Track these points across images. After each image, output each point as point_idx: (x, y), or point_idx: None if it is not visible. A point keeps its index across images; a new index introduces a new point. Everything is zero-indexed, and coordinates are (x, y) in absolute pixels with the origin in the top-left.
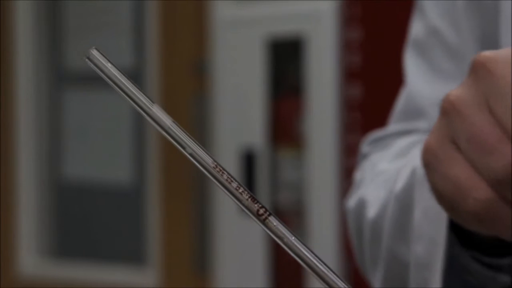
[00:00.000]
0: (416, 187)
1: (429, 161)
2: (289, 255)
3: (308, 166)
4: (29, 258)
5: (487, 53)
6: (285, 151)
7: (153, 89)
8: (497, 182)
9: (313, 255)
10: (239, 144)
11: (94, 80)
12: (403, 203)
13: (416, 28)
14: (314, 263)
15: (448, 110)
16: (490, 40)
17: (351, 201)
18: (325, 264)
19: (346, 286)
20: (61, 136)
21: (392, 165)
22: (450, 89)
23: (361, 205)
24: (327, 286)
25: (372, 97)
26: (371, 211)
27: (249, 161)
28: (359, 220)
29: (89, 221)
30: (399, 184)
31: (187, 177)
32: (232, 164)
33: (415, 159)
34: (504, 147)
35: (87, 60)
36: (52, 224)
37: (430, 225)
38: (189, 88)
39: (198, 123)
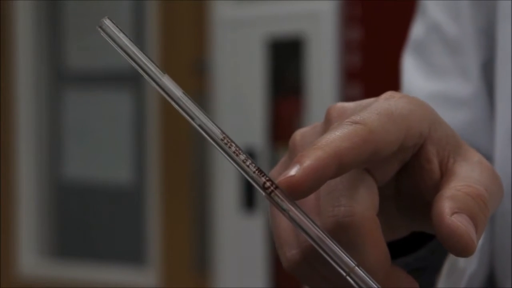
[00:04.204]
0: None
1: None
2: None
3: None
4: (29, 258)
5: (340, 103)
6: (285, 151)
7: (153, 89)
8: (305, 247)
9: (319, 230)
10: (239, 143)
11: (94, 80)
12: None
13: (416, 30)
14: (320, 237)
15: (290, 147)
16: (491, 31)
17: None
18: (329, 238)
19: (352, 261)
20: (61, 136)
21: None
22: (444, 84)
23: None
24: (331, 261)
25: (372, 97)
26: None
27: None
28: None
29: (89, 221)
30: None
31: (187, 177)
32: (232, 164)
33: None
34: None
35: (99, 29)
36: (52, 224)
37: None
38: (189, 88)
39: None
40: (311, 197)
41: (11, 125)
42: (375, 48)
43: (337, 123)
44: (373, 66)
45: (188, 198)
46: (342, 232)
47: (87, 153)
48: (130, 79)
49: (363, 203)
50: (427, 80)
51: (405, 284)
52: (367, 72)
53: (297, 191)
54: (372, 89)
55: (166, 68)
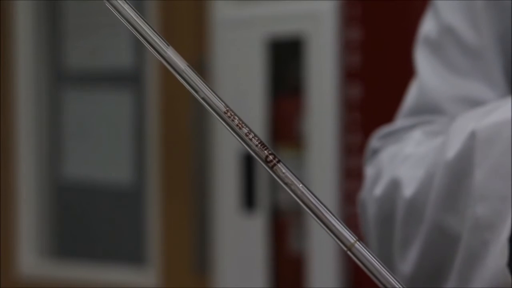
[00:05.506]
0: (477, 149)
1: None
2: (289, 256)
3: (308, 166)
4: (29, 258)
5: None
6: (285, 151)
7: (153, 89)
8: None
9: (319, 203)
10: (239, 144)
11: (94, 80)
12: (456, 169)
13: (428, 26)
14: (320, 211)
15: None
16: (509, 39)
17: (377, 190)
18: (330, 212)
19: (351, 234)
20: (61, 136)
21: (419, 148)
22: (468, 86)
23: (393, 187)
24: (331, 234)
25: (372, 97)
26: (407, 191)
27: (248, 161)
28: (388, 204)
29: (89, 221)
30: (450, 153)
31: (186, 177)
32: (232, 164)
33: (464, 128)
34: None
35: (105, 1)
36: (52, 224)
37: (500, 182)
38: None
39: (198, 123)
40: None
41: (11, 125)
42: (375, 48)
43: None
44: (373, 66)
45: (188, 198)
46: None
47: (87, 153)
48: (130, 79)
49: None
50: (448, 81)
51: None
52: (367, 72)
53: None
54: (372, 89)
55: (166, 68)
